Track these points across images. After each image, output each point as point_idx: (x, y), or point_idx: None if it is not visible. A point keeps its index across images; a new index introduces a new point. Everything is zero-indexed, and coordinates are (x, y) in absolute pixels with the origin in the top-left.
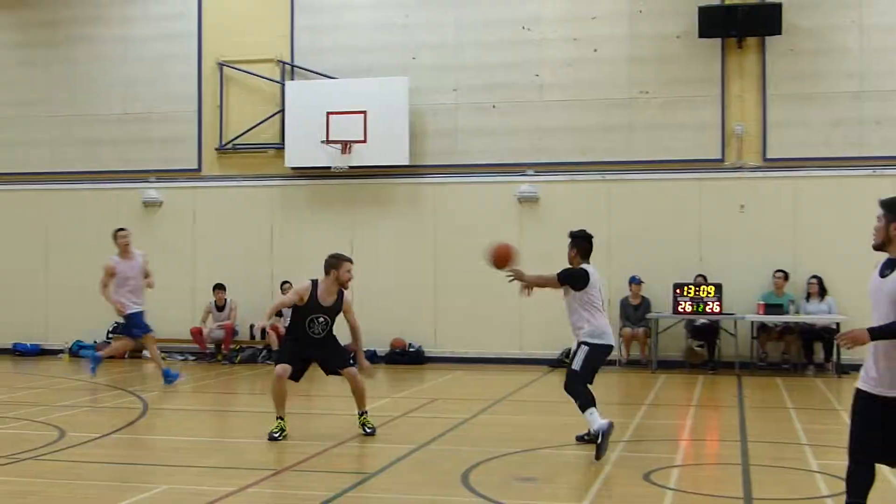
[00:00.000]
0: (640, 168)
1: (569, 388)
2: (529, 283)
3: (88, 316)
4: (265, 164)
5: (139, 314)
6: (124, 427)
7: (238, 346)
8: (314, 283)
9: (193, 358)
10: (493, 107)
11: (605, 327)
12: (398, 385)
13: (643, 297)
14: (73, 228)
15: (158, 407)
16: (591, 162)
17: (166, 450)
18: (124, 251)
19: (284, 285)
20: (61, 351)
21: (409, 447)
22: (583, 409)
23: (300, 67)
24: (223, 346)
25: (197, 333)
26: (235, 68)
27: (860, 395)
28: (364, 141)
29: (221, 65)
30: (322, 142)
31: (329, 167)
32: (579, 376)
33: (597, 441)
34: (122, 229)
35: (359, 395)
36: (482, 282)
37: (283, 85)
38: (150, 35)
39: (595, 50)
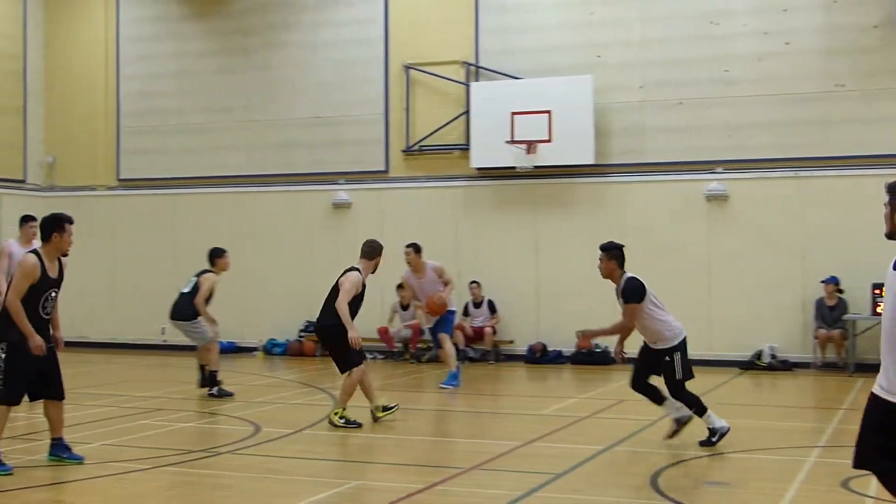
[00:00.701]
0: (835, 164)
1: (679, 395)
2: (598, 334)
3: (281, 314)
4: (451, 164)
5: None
6: (316, 423)
7: (426, 346)
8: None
9: (382, 356)
10: (680, 103)
11: (675, 321)
12: (584, 386)
13: (839, 298)
14: (268, 230)
15: (348, 404)
16: (783, 158)
17: (357, 446)
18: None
19: (472, 285)
20: (255, 349)
21: (597, 448)
22: (701, 413)
23: (485, 68)
24: (410, 346)
25: (383, 332)
26: (421, 71)
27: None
28: (549, 140)
29: (408, 67)
30: (507, 142)
31: (514, 167)
32: (684, 381)
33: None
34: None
35: None
36: (669, 281)
37: (468, 86)
38: (339, 40)
39: (787, 43)
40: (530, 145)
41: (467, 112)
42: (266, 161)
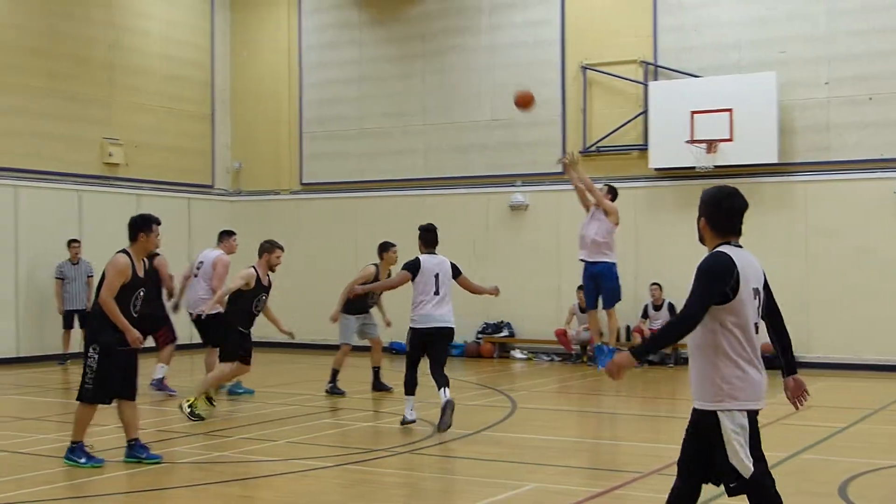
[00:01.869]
0: None
1: None
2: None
3: (458, 316)
4: (629, 165)
5: None
6: (494, 425)
7: None
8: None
9: (559, 359)
10: (870, 99)
11: None
12: (769, 391)
13: None
14: (447, 232)
15: (526, 406)
16: None
17: (534, 448)
18: None
19: (652, 287)
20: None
21: (783, 454)
22: None
23: (663, 67)
24: (588, 348)
25: (561, 335)
26: (598, 71)
27: None
28: (730, 139)
29: (585, 68)
30: (686, 142)
31: (693, 167)
32: None
33: None
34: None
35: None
36: (859, 283)
37: (647, 86)
38: (516, 42)
39: None
40: (711, 145)
41: (645, 112)
42: (443, 164)
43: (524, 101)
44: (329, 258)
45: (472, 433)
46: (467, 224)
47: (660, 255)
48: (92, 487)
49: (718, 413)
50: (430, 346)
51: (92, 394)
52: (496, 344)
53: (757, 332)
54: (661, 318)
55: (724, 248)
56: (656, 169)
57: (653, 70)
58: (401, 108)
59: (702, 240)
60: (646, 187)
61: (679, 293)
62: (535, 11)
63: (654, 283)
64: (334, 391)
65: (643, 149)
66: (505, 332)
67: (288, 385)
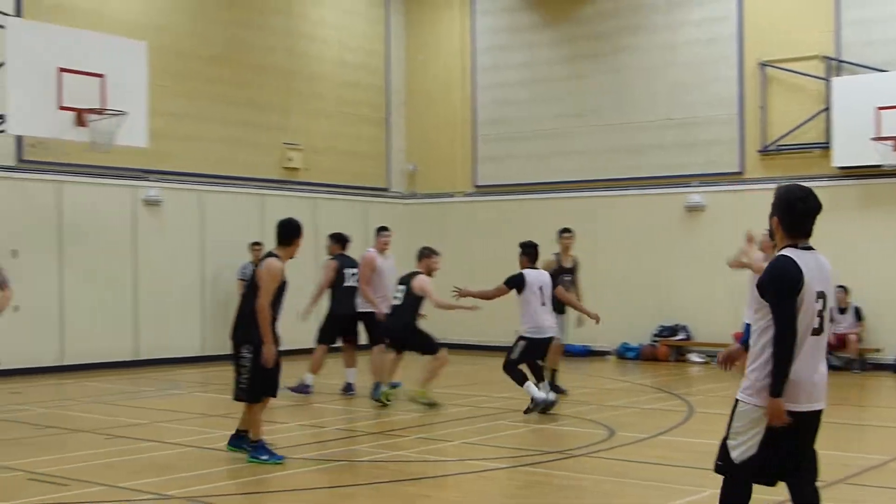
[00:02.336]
0: None
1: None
2: None
3: (633, 318)
4: (810, 164)
5: None
6: (670, 429)
7: None
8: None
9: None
10: None
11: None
12: None
13: None
14: (620, 234)
15: (704, 411)
16: None
17: (710, 453)
18: None
19: (837, 289)
20: (608, 353)
21: None
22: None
23: (847, 62)
24: None
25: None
26: (778, 67)
27: None
28: None
29: (763, 65)
30: (872, 139)
31: (880, 165)
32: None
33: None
34: None
35: None
36: None
37: (829, 82)
38: (691, 40)
39: None
40: None
41: (828, 109)
42: (617, 165)
43: None
44: (502, 260)
45: (649, 437)
46: (641, 226)
47: (844, 257)
48: (273, 483)
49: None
50: (541, 351)
51: (249, 392)
52: (672, 347)
53: (821, 333)
54: (846, 322)
55: (789, 252)
56: (840, 167)
57: (835, 66)
58: (573, 110)
59: (772, 235)
60: (828, 187)
61: (866, 295)
62: (712, 8)
63: (839, 286)
64: (557, 390)
65: (825, 147)
66: (681, 336)
67: (463, 387)
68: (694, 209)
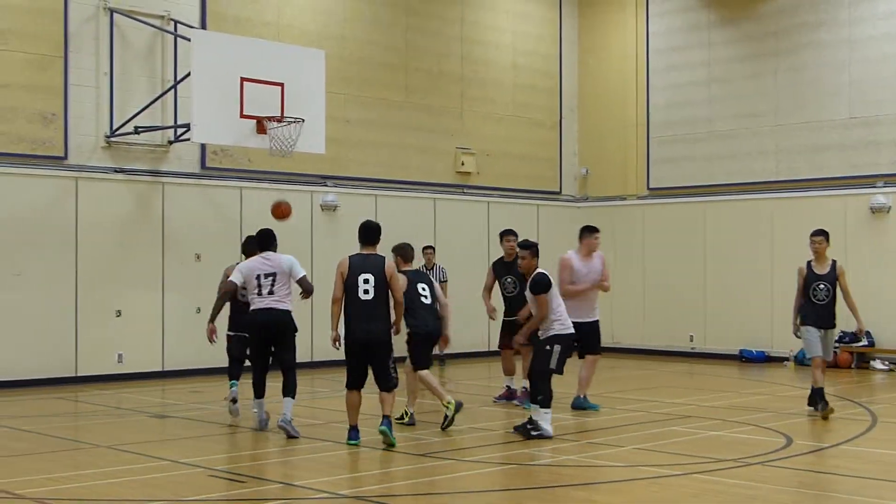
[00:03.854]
0: None
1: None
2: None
3: None
4: None
5: None
6: (853, 438)
7: None
8: None
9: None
10: None
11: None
12: None
13: None
14: (797, 236)
15: (888, 420)
16: None
17: (894, 465)
18: None
19: None
20: (786, 359)
21: None
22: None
23: None
24: None
25: None
26: None
27: None
28: None
29: None
30: None
31: None
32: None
33: None
34: None
35: None
36: None
37: None
38: (876, 35)
39: None
40: None
41: None
42: (797, 165)
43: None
44: (676, 264)
45: (829, 446)
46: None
47: None
48: (444, 485)
49: None
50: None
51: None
52: (854, 354)
53: None
54: None
55: None
56: None
57: None
58: (751, 109)
59: None
60: None
61: None
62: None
63: None
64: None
65: None
66: (864, 342)
67: (632, 391)
68: (878, 210)
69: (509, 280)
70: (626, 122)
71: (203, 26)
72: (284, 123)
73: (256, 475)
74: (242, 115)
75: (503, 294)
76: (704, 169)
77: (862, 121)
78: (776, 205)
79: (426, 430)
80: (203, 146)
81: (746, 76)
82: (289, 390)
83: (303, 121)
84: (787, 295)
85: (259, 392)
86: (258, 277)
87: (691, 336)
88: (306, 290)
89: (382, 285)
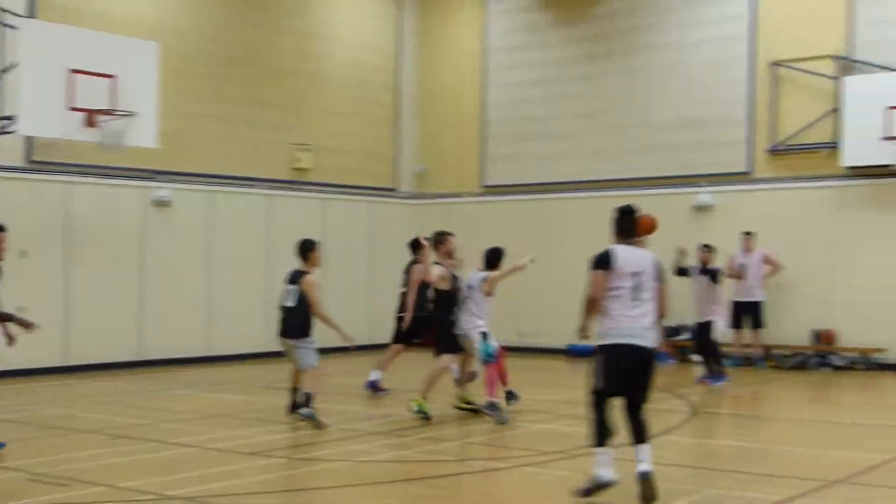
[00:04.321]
0: None
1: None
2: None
3: None
4: (818, 164)
5: None
6: (671, 430)
7: (789, 352)
8: None
9: (742, 363)
10: None
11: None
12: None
13: None
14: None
15: (705, 411)
16: None
17: (711, 454)
18: None
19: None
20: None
21: None
22: None
23: (860, 62)
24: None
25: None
26: (789, 67)
27: None
28: None
29: (774, 65)
30: (882, 139)
31: (889, 165)
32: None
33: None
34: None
35: None
36: None
37: (840, 81)
38: (705, 39)
39: None
40: None
41: (837, 108)
42: (630, 164)
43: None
44: (511, 260)
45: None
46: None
47: (853, 256)
48: (291, 482)
49: None
50: None
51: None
52: (678, 347)
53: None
54: None
55: None
56: (848, 167)
57: (846, 65)
58: (586, 109)
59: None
60: (836, 186)
61: (866, 294)
62: (726, 7)
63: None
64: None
65: (834, 147)
66: (684, 336)
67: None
68: (703, 209)
69: None
70: (464, 119)
71: (31, 15)
72: (115, 117)
73: (80, 478)
74: (71, 108)
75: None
76: (539, 167)
77: (689, 122)
78: (612, 203)
79: (261, 429)
80: (30, 139)
81: (582, 76)
82: None
83: (134, 114)
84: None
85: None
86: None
87: (521, 331)
88: None
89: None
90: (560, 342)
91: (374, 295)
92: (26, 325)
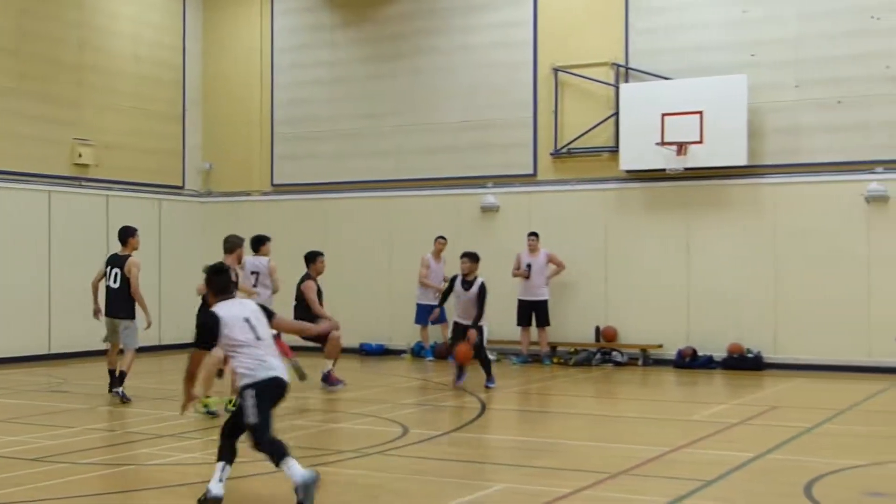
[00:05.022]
0: None
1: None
2: None
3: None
4: (599, 167)
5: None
6: (463, 426)
7: (574, 350)
8: None
9: (530, 360)
10: (839, 102)
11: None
12: (736, 391)
13: None
14: (414, 233)
15: (495, 407)
16: None
17: (502, 449)
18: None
19: None
20: (404, 351)
21: (748, 455)
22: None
23: (635, 70)
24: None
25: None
26: (570, 73)
27: None
28: (700, 142)
29: (556, 70)
30: (657, 144)
31: (664, 169)
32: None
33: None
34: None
35: None
36: (826, 284)
37: (618, 88)
38: (488, 43)
39: None
40: (681, 147)
41: (616, 114)
42: (414, 165)
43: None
44: (300, 259)
45: (440, 434)
46: (438, 226)
47: (630, 256)
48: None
49: None
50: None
51: None
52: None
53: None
54: None
55: None
56: (627, 171)
57: (624, 72)
58: (372, 110)
59: None
60: (616, 189)
61: (648, 294)
62: (508, 13)
63: None
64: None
65: (614, 150)
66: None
67: None
68: (489, 210)
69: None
70: (251, 117)
71: None
72: None
73: None
74: None
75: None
76: (327, 167)
77: (474, 124)
78: (396, 203)
79: (44, 433)
80: None
81: (368, 77)
82: None
83: None
84: (405, 289)
85: None
86: None
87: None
88: None
89: None
90: (352, 341)
91: (163, 295)
92: None
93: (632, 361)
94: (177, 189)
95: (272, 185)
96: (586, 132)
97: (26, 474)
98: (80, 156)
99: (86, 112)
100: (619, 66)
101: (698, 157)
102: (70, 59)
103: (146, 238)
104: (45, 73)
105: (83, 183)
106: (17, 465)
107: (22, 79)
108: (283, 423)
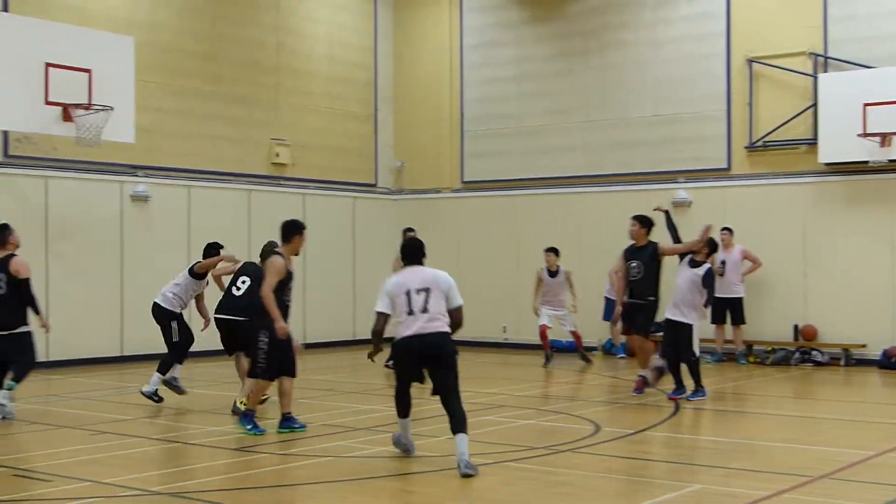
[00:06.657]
0: None
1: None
2: None
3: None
4: (797, 160)
5: None
6: (656, 425)
7: (771, 348)
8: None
9: (724, 359)
10: None
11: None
12: None
13: None
14: (604, 229)
15: (688, 407)
16: None
17: (696, 449)
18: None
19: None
20: (594, 348)
21: None
22: None
23: (834, 59)
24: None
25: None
26: (765, 64)
27: None
28: None
29: (751, 61)
30: (859, 135)
31: (866, 161)
32: None
33: None
34: None
35: None
36: None
37: (816, 78)
38: (679, 36)
39: None
40: (885, 138)
41: (815, 105)
42: (604, 160)
43: None
44: (489, 256)
45: (633, 433)
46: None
47: (830, 252)
48: (252, 479)
49: None
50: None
51: (266, 371)
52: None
53: None
54: None
55: None
56: (826, 164)
57: (822, 62)
58: (561, 106)
59: None
60: (815, 183)
61: (845, 291)
62: (701, 4)
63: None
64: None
65: (812, 143)
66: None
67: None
68: (681, 205)
69: (634, 265)
70: (441, 115)
71: (4, 9)
72: (92, 111)
73: (63, 473)
74: (47, 102)
75: (628, 278)
76: (516, 163)
77: (665, 119)
78: (584, 199)
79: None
80: (5, 133)
81: (556, 73)
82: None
83: (111, 109)
84: (595, 284)
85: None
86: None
87: (504, 327)
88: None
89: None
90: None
91: (357, 290)
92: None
93: (833, 361)
94: (370, 187)
95: (462, 182)
96: (783, 124)
97: (227, 464)
98: (277, 155)
99: (282, 113)
100: (816, 55)
101: None
102: (267, 62)
103: (341, 235)
104: (243, 75)
105: (281, 182)
106: (217, 454)
107: (218, 82)
108: (476, 419)
